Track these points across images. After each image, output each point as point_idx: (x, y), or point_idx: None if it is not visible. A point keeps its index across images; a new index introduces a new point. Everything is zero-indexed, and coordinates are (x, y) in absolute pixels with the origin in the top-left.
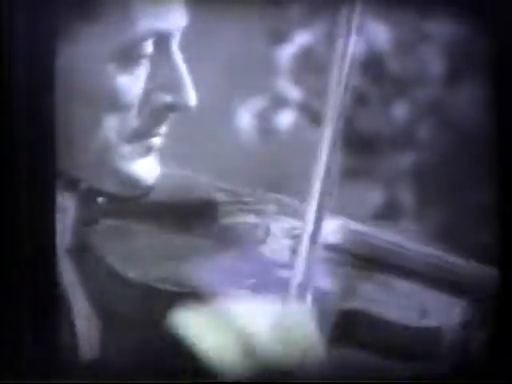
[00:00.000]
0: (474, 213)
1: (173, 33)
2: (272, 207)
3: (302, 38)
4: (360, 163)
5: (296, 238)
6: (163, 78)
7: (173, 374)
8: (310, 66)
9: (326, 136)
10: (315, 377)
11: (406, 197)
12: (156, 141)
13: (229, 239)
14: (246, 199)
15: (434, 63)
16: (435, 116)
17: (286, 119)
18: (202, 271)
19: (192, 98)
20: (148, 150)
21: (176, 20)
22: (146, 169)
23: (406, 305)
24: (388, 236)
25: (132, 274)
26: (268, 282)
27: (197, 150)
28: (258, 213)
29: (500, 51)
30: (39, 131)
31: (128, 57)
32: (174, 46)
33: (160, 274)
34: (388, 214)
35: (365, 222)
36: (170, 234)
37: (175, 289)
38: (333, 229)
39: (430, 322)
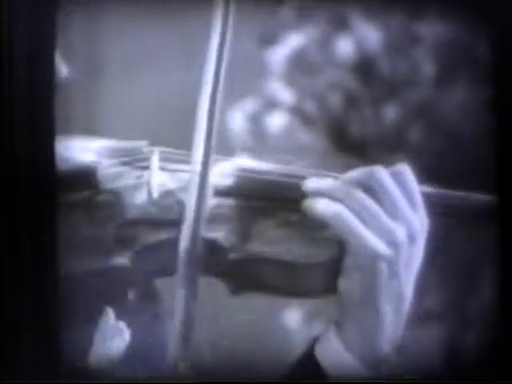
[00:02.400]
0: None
1: None
2: (157, 161)
3: (293, 41)
4: (351, 164)
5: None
6: None
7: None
8: (302, 67)
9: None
10: (315, 377)
11: None
12: None
13: (111, 204)
14: (129, 157)
15: (425, 65)
16: (426, 118)
17: (277, 121)
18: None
19: None
20: None
21: None
22: None
23: (304, 241)
24: (286, 170)
25: None
26: (154, 244)
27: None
28: (142, 169)
29: (496, 52)
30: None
31: None
32: None
33: None
34: None
35: (261, 159)
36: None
37: None
38: (224, 171)
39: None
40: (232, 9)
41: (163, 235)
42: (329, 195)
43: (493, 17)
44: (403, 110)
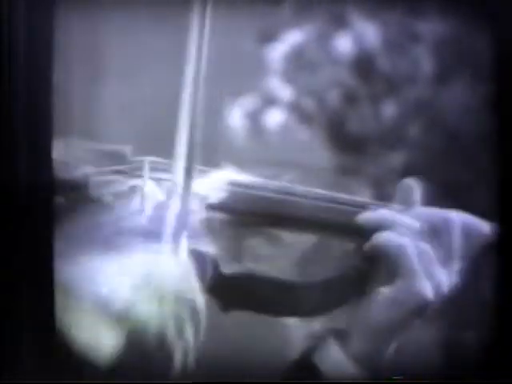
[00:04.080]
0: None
1: None
2: (148, 169)
3: (292, 38)
4: (350, 162)
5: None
6: None
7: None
8: (301, 65)
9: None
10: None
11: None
12: None
13: (102, 206)
14: (121, 167)
15: (425, 62)
16: (425, 115)
17: (276, 118)
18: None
19: None
20: None
21: None
22: None
23: (293, 259)
24: (276, 185)
25: None
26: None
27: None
28: (133, 177)
29: (496, 49)
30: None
31: None
32: None
33: None
34: None
35: (250, 173)
36: None
37: None
38: (213, 185)
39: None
40: (209, 10)
41: (152, 246)
42: (394, 228)
43: (493, 14)
44: (402, 107)
